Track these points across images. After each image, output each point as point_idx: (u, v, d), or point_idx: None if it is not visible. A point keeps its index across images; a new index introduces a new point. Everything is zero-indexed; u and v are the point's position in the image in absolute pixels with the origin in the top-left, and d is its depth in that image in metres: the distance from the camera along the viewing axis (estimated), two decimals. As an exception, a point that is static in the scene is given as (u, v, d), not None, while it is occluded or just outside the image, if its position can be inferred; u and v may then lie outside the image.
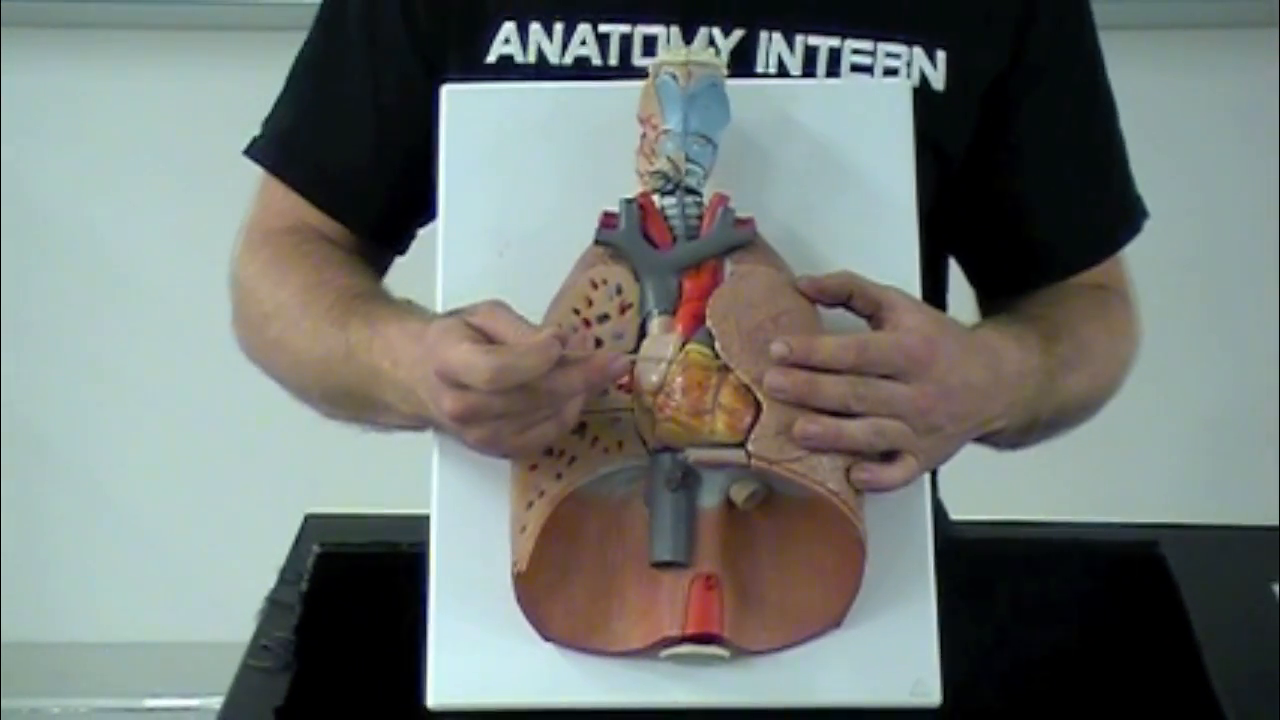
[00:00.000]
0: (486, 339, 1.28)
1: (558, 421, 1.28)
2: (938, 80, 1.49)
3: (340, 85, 1.54)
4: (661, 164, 1.35)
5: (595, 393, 1.29)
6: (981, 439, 1.42)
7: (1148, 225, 1.60)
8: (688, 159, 1.35)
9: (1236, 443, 3.06)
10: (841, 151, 1.41)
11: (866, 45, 1.49)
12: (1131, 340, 1.56)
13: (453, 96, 1.43)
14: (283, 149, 1.56)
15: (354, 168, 1.54)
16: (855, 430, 1.29)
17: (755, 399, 1.30)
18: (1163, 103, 2.85)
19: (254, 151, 1.57)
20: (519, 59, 1.49)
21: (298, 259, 1.50)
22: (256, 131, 1.58)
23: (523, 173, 1.41)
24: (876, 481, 1.30)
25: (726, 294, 1.32)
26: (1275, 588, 1.72)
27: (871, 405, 1.29)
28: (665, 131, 1.35)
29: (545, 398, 1.26)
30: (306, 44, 1.57)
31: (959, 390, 1.33)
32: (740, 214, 1.35)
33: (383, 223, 1.56)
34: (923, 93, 1.46)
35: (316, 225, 1.54)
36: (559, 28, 1.49)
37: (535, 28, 1.49)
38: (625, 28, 1.48)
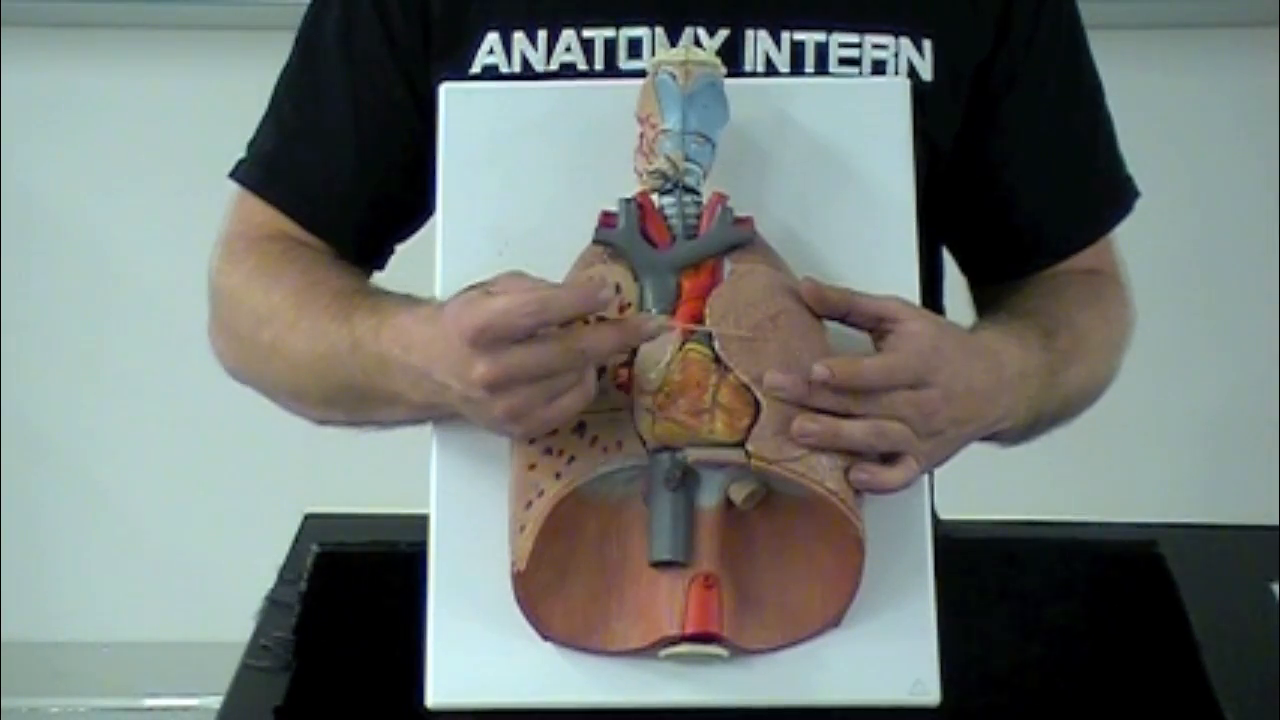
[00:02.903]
0: None
1: (582, 390, 1.27)
2: (925, 70, 1.50)
3: (320, 105, 1.53)
4: (660, 163, 1.35)
5: (625, 351, 1.28)
6: (985, 437, 1.42)
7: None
8: (686, 158, 1.35)
9: (1236, 443, 3.05)
10: (840, 150, 1.41)
11: (853, 38, 1.49)
12: (1126, 324, 1.56)
13: (451, 95, 1.43)
14: (265, 171, 1.55)
15: (336, 187, 1.53)
16: (854, 430, 1.29)
17: (754, 398, 1.30)
18: (1163, 103, 2.85)
19: (238, 174, 1.56)
20: (504, 68, 1.48)
21: (286, 264, 1.49)
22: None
23: (521, 171, 1.41)
24: (876, 483, 1.30)
25: (725, 293, 1.32)
26: (1275, 587, 1.71)
27: (872, 408, 1.29)
28: (664, 130, 1.35)
29: (576, 357, 1.26)
30: (287, 65, 1.56)
31: (962, 395, 1.34)
32: (739, 213, 1.35)
33: (365, 240, 1.55)
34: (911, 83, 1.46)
35: (297, 236, 1.53)
36: (542, 35, 1.48)
37: (519, 36, 1.48)
38: (609, 32, 1.48)
